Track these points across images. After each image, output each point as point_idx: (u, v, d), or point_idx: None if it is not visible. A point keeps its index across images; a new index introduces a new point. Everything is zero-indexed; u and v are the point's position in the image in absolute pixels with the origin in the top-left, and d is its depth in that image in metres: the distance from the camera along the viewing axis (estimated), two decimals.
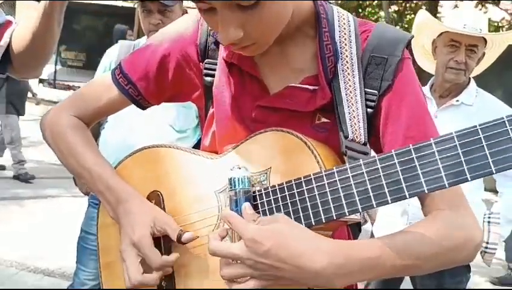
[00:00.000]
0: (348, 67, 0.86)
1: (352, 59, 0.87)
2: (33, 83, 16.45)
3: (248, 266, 0.73)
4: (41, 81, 16.77)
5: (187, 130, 2.06)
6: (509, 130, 0.64)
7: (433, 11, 9.78)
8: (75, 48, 17.45)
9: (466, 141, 0.67)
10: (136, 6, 2.11)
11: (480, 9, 9.30)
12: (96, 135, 2.29)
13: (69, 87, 13.71)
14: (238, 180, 0.80)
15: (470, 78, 2.09)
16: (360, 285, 1.02)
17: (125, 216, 0.90)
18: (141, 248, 0.86)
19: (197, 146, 1.03)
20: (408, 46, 0.88)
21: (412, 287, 2.28)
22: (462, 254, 0.80)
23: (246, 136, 0.88)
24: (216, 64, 0.95)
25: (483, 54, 2.08)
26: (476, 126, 0.66)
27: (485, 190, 2.13)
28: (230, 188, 0.80)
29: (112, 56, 2.17)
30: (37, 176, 5.96)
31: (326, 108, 0.88)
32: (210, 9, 0.76)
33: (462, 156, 0.67)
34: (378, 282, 2.25)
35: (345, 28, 0.89)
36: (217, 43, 0.95)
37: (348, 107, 0.85)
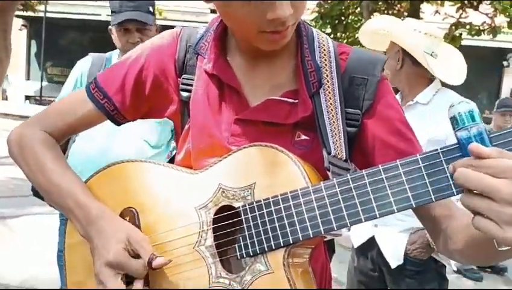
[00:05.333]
0: (328, 86, 0.89)
1: (332, 78, 0.89)
2: (20, 99, 16.35)
3: (499, 204, 0.61)
4: (27, 98, 16.66)
5: (162, 145, 2.05)
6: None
7: (415, 17, 9.89)
8: (60, 63, 17.38)
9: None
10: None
11: (461, 14, 9.43)
12: (64, 149, 2.25)
13: None
14: (466, 115, 0.64)
15: (432, 80, 2.09)
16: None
17: (97, 235, 0.86)
18: (121, 264, 0.82)
19: (170, 162, 1.01)
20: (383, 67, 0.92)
21: None
22: None
23: (223, 151, 0.87)
24: (193, 80, 0.95)
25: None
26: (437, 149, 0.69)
27: None
28: (457, 127, 0.66)
29: (83, 68, 2.14)
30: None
31: (306, 124, 0.89)
32: None
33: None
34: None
35: (324, 49, 0.91)
36: (196, 57, 0.95)
37: (330, 124, 0.87)
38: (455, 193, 0.68)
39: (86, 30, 17.07)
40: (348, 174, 0.75)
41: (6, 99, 16.34)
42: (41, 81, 15.31)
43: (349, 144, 0.89)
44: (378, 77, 0.90)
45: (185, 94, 0.95)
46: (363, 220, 0.73)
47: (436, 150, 0.69)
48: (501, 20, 9.44)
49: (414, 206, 0.71)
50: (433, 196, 0.69)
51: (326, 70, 0.89)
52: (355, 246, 2.17)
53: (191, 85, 0.95)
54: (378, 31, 2.11)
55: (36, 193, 2.14)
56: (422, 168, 0.70)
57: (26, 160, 0.95)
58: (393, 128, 0.89)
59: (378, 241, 2.05)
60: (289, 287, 0.76)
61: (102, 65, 2.13)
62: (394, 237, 2.01)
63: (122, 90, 0.96)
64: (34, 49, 17.63)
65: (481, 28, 9.49)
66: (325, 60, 0.90)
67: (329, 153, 0.85)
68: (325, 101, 0.88)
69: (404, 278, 2.00)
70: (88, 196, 0.91)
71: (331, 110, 0.88)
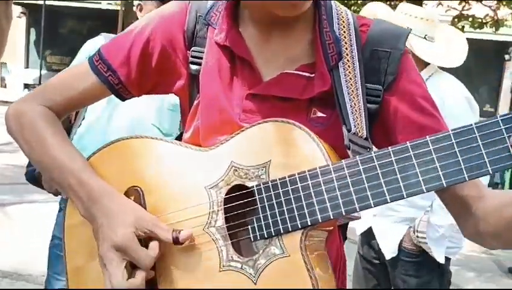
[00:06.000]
0: (348, 60, 0.83)
1: (352, 51, 0.84)
2: (19, 87, 16.28)
3: None
4: (26, 86, 16.58)
5: (173, 133, 2.00)
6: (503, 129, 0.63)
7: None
8: (60, 52, 17.29)
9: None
10: (121, 7, 2.07)
11: (464, 6, 9.35)
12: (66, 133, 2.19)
13: None
14: None
15: (426, 66, 2.04)
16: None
17: (102, 216, 0.81)
18: (128, 250, 0.78)
19: (178, 140, 0.95)
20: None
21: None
22: None
23: (234, 128, 0.82)
24: (203, 53, 0.89)
25: None
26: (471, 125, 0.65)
27: None
28: None
29: (94, 46, 2.04)
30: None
31: (322, 100, 0.83)
32: None
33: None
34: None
35: (343, 21, 0.86)
36: (206, 28, 0.89)
37: (350, 100, 0.82)
38: (490, 171, 0.63)
39: (85, 18, 16.95)
40: (373, 152, 0.70)
41: (5, 87, 16.26)
42: (41, 69, 15.20)
43: (369, 121, 0.83)
44: (402, 50, 0.84)
45: (194, 67, 0.90)
46: (389, 201, 0.68)
47: (471, 125, 0.64)
48: (504, 12, 9.36)
49: (445, 186, 0.66)
50: (466, 175, 0.64)
51: (346, 42, 0.84)
52: (358, 233, 2.16)
53: (201, 58, 0.89)
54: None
55: (31, 179, 2.08)
56: (455, 144, 0.65)
57: (26, 136, 0.90)
58: (416, 105, 0.84)
59: (375, 232, 2.04)
60: (306, 271, 0.72)
61: None
62: (389, 228, 2.00)
63: (127, 62, 0.90)
64: (33, 37, 17.51)
65: (484, 20, 9.41)
66: (344, 31, 0.85)
67: (349, 131, 0.80)
68: (345, 75, 0.82)
69: (400, 268, 2.00)
70: (91, 173, 0.85)
71: (351, 85, 0.82)
